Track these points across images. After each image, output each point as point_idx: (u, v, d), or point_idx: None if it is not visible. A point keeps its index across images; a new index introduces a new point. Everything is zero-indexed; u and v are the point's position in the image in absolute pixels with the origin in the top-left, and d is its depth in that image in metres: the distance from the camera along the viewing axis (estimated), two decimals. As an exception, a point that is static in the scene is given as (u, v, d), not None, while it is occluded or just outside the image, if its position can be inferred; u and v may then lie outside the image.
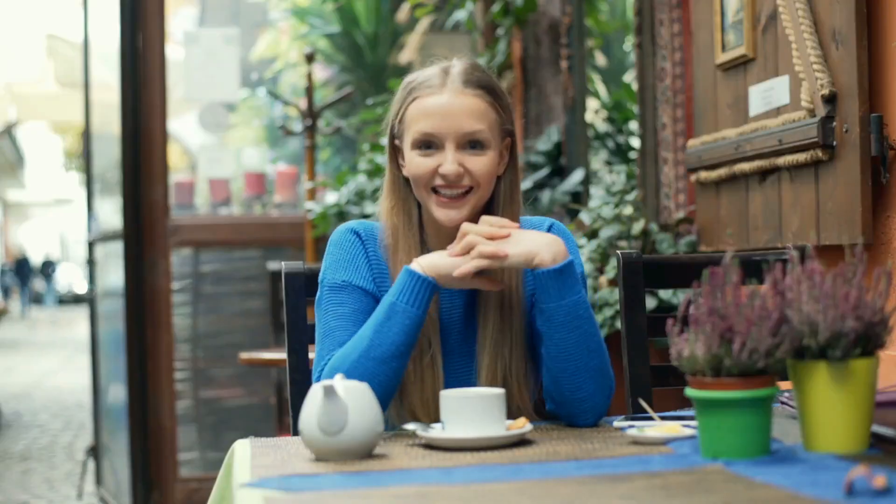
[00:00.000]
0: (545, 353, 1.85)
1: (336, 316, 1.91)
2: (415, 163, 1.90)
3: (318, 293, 1.96)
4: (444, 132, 1.87)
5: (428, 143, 1.89)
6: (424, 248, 1.95)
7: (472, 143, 1.88)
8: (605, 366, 1.85)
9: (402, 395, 1.90)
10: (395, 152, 1.97)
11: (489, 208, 1.95)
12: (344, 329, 1.89)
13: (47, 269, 29.24)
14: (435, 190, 1.89)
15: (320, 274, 1.96)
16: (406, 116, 1.92)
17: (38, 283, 30.31)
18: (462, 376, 1.92)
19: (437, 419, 1.79)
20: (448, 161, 1.87)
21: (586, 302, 1.84)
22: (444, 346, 1.92)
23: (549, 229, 1.98)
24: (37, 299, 30.00)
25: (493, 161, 1.90)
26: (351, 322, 1.89)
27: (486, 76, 1.93)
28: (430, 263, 1.83)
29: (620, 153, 4.66)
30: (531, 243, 1.81)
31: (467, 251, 1.81)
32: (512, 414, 1.88)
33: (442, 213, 1.89)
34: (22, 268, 28.37)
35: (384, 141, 2.05)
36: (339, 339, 1.88)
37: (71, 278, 31.34)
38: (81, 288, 30.88)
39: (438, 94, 1.89)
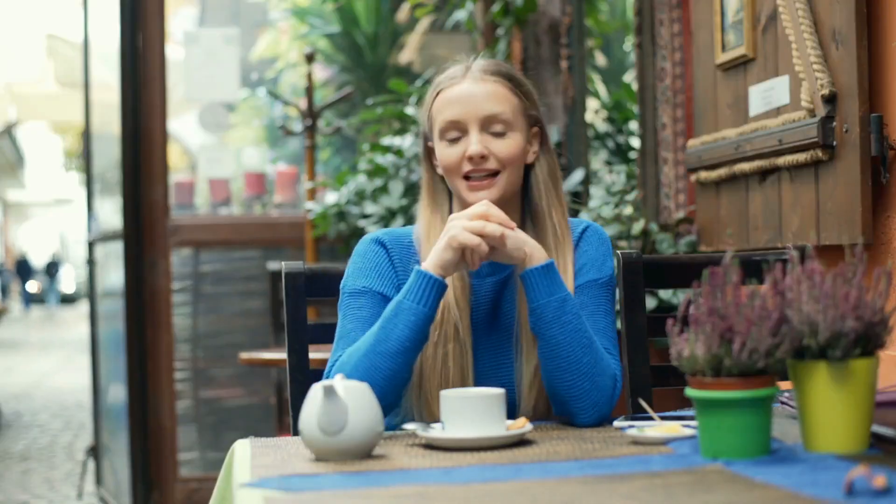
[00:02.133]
0: (540, 354, 1.87)
1: (354, 319, 1.93)
2: (444, 154, 1.95)
3: (339, 300, 1.99)
4: (466, 117, 1.93)
5: (454, 132, 1.94)
6: None
7: (495, 126, 1.93)
8: (601, 363, 1.86)
9: (428, 390, 1.90)
10: (430, 154, 2.02)
11: (528, 201, 1.98)
12: (360, 331, 1.91)
13: (52, 269, 29.38)
14: (466, 177, 1.94)
15: (342, 282, 1.99)
16: (433, 112, 1.99)
17: (41, 283, 30.44)
18: (490, 372, 1.93)
19: None
20: (473, 143, 1.92)
21: (574, 301, 1.87)
22: (474, 343, 1.94)
23: (584, 231, 2.01)
24: (40, 299, 30.15)
25: (517, 143, 1.94)
26: (368, 325, 1.91)
27: (506, 67, 2.00)
28: (432, 262, 1.85)
29: (620, 153, 4.65)
30: (522, 237, 1.87)
31: (484, 218, 1.85)
32: (542, 412, 1.90)
33: (473, 196, 1.93)
34: (22, 268, 28.46)
35: (416, 146, 2.10)
36: (355, 341, 1.90)
37: (68, 278, 31.51)
38: (69, 287, 31.17)
39: (460, 83, 1.96)
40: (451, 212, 2.00)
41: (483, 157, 1.92)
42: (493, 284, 1.97)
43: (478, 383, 1.92)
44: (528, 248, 1.85)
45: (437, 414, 1.83)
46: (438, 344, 1.90)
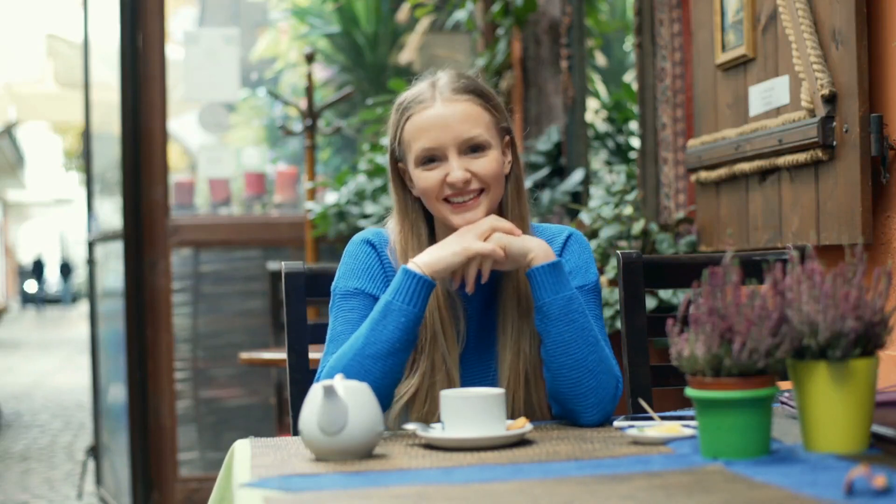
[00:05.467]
0: (544, 352, 1.87)
1: (345, 321, 1.93)
2: (422, 178, 1.92)
3: (330, 301, 1.98)
4: (443, 143, 1.90)
5: (431, 158, 1.91)
6: None
7: (473, 147, 1.91)
8: (605, 362, 1.86)
9: (414, 403, 1.90)
10: (400, 175, 1.99)
11: (499, 208, 1.97)
12: (350, 334, 1.90)
13: (64, 269, 29.66)
14: (447, 200, 1.91)
15: (333, 282, 1.98)
16: (404, 137, 1.94)
17: (37, 283, 30.64)
18: (477, 377, 1.93)
19: None
20: (454, 169, 1.89)
21: (580, 299, 1.87)
22: (462, 351, 1.93)
23: (568, 239, 2.00)
24: (40, 299, 30.34)
25: (497, 160, 1.92)
26: (358, 327, 1.90)
27: (472, 81, 1.96)
28: (425, 262, 1.85)
29: (620, 153, 4.65)
30: (527, 241, 1.87)
31: (490, 234, 1.86)
32: (532, 409, 1.90)
33: (459, 219, 1.90)
34: (36, 269, 28.84)
35: (385, 160, 2.07)
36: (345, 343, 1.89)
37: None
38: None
39: (430, 107, 1.91)
40: (431, 235, 1.98)
41: (466, 182, 1.89)
42: (480, 303, 1.96)
43: None
44: (532, 255, 1.86)
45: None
46: (426, 374, 1.90)
